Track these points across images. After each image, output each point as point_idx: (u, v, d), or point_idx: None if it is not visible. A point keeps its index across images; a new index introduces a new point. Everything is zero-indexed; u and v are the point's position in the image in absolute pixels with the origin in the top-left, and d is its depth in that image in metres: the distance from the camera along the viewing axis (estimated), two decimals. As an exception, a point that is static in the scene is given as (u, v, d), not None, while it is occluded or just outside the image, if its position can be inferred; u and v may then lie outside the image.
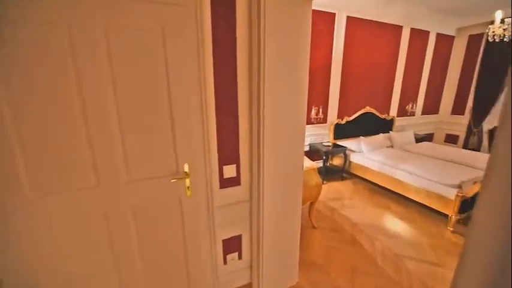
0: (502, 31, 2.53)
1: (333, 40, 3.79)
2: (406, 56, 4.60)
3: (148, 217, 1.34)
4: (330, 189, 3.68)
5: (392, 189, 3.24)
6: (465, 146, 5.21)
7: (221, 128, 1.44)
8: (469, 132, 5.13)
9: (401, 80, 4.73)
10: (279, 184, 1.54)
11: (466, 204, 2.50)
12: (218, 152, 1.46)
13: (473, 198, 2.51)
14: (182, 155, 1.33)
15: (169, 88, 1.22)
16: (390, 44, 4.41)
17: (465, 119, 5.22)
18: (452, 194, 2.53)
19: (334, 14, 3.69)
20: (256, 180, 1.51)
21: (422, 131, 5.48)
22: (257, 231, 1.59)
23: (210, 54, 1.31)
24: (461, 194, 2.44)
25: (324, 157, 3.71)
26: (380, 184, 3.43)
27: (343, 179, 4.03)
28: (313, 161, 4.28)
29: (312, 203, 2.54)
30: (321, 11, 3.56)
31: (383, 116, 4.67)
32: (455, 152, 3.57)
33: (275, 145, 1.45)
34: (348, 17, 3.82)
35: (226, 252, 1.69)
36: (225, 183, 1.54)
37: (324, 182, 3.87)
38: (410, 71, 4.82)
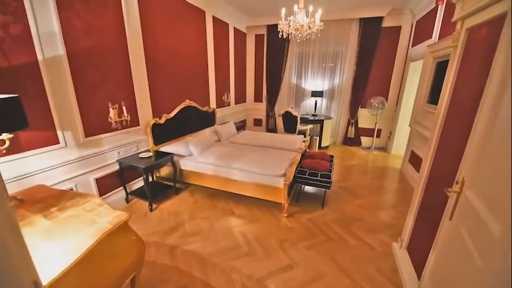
0: (288, 27, 2.84)
1: (121, 5, 2.58)
2: (213, 44, 4.45)
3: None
4: (163, 215, 2.74)
5: (231, 191, 2.96)
6: (267, 126, 6.42)
7: None
8: (268, 116, 6.33)
9: (213, 70, 4.58)
10: None
11: (289, 188, 2.71)
12: None
13: (293, 180, 2.75)
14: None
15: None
16: (198, 30, 3.98)
17: (263, 105, 6.35)
18: (281, 183, 2.62)
19: (114, -37, 2.47)
20: None
21: (238, 118, 5.99)
22: None
23: None
24: (287, 182, 2.56)
25: (144, 175, 2.63)
26: (219, 189, 3.04)
27: (177, 192, 3.23)
28: (129, 181, 3.06)
29: (135, 276, 1.49)
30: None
31: (204, 109, 4.35)
32: (271, 137, 4.00)
33: None
34: (138, -23, 2.76)
35: None
36: None
37: (153, 206, 2.84)
38: (220, 61, 4.82)
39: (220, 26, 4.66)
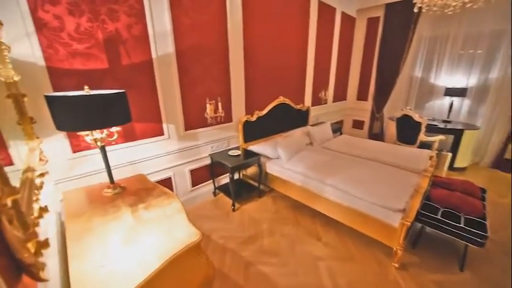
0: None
1: (225, 3, 2.51)
2: (316, 33, 3.91)
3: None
4: (244, 218, 2.59)
5: (320, 210, 2.45)
6: (370, 131, 5.30)
7: None
8: (373, 118, 5.19)
9: (313, 63, 4.06)
10: None
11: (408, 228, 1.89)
12: None
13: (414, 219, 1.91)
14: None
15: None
16: (300, 18, 3.55)
17: (368, 105, 5.25)
18: (395, 220, 1.86)
19: (223, -46, 2.39)
20: None
21: (334, 119, 5.24)
22: None
23: None
24: (408, 222, 1.78)
25: (230, 175, 2.54)
26: (305, 203, 2.59)
27: (260, 195, 3.03)
28: (219, 176, 3.09)
29: (201, 302, 1.31)
30: None
31: (298, 107, 3.93)
32: (379, 148, 3.14)
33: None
34: (245, -34, 2.61)
35: None
36: None
37: (236, 206, 2.75)
38: (321, 53, 4.22)
39: (326, 12, 4.03)
